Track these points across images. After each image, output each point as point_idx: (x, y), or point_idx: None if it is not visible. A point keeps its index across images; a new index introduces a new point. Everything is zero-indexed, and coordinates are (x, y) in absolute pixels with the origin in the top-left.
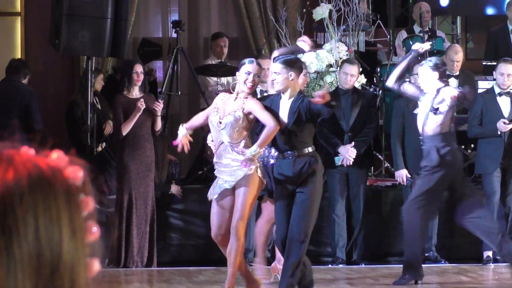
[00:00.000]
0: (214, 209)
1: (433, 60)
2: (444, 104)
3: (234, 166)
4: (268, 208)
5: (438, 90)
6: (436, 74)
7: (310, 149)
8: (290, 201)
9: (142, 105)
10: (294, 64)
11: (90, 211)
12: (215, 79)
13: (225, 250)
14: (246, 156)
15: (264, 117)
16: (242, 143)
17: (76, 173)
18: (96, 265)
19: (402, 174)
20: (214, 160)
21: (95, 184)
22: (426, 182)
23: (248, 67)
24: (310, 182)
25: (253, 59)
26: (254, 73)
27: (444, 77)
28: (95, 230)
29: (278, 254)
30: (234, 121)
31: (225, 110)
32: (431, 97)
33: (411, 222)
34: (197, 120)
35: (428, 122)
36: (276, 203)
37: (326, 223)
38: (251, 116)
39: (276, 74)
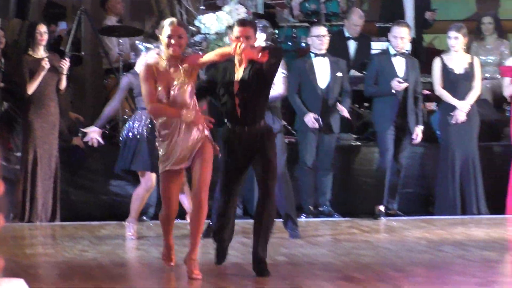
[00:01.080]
0: (169, 187)
1: (262, 22)
2: None
3: (190, 144)
4: (148, 179)
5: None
6: (263, 36)
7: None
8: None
9: (46, 64)
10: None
11: None
12: (117, 40)
13: (170, 222)
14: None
15: (209, 55)
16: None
17: None
18: (0, 220)
19: (310, 117)
20: (162, 132)
21: (0, 142)
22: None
23: (167, 30)
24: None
25: (173, 19)
26: (176, 34)
27: (269, 40)
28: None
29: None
30: (180, 87)
31: (169, 82)
32: None
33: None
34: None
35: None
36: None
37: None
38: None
39: (248, 38)
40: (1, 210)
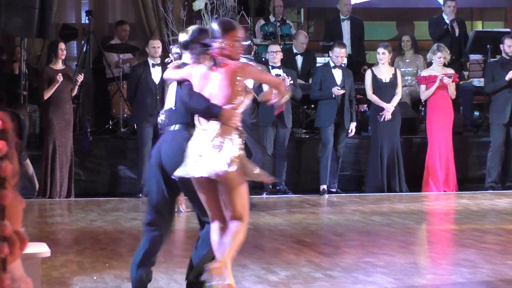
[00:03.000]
0: (204, 195)
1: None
2: None
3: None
4: None
5: None
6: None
7: None
8: None
9: (60, 78)
10: None
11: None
12: (117, 55)
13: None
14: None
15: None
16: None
17: None
18: (22, 202)
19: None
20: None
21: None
22: None
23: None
24: None
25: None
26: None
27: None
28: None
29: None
30: None
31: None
32: None
33: None
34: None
35: None
36: None
37: None
38: None
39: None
40: (20, 191)
